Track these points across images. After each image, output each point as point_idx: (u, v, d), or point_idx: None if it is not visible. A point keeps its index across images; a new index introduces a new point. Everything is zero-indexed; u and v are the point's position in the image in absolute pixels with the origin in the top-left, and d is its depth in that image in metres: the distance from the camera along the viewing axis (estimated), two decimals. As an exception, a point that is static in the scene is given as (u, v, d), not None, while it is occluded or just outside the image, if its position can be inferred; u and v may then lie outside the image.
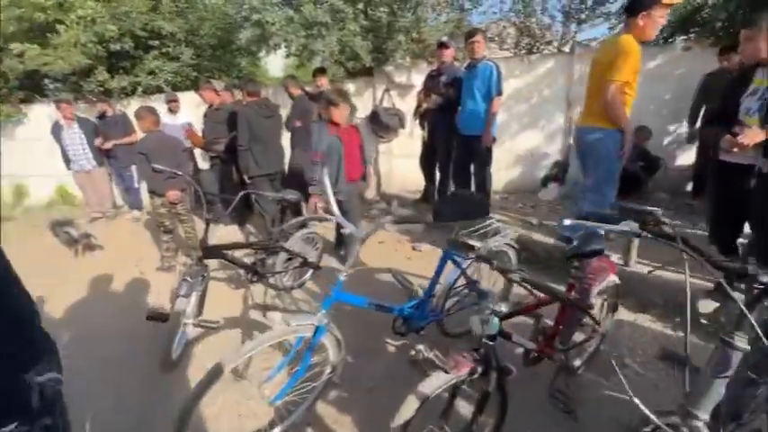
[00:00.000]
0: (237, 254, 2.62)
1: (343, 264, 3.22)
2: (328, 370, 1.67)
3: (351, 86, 5.40)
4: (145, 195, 6.04)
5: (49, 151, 5.38)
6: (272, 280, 2.78)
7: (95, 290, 3.34)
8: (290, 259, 2.81)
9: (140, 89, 5.71)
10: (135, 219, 5.45)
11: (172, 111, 5.31)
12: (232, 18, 6.03)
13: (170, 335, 2.04)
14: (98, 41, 5.06)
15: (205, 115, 4.26)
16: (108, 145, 5.05)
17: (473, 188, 3.79)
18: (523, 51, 5.63)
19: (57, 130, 5.11)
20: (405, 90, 5.36)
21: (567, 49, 5.43)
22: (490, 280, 2.07)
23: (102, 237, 4.29)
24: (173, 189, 3.29)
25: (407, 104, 5.22)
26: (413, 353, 1.21)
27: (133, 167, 5.33)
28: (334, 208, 1.60)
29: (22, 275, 0.75)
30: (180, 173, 2.77)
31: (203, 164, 5.60)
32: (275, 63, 7.84)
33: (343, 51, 4.62)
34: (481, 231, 1.85)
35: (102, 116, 5.14)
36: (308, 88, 5.10)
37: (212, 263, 2.49)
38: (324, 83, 4.83)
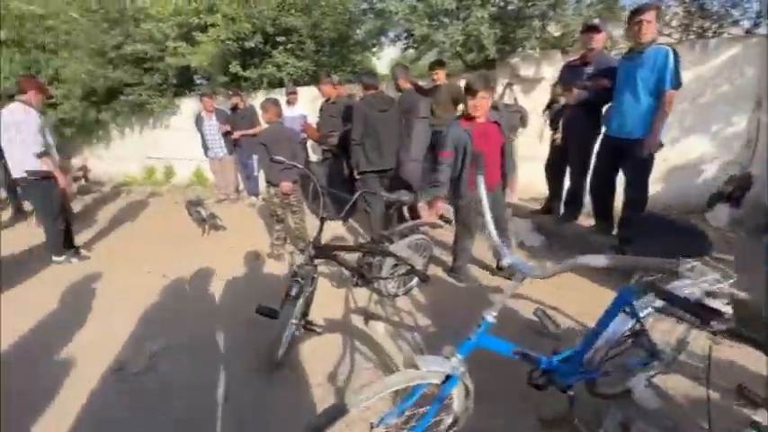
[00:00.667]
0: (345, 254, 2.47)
1: (460, 281, 2.97)
2: (449, 421, 1.35)
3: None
4: (262, 184, 6.63)
5: (192, 139, 6.12)
6: (375, 285, 2.57)
7: (215, 266, 3.58)
8: (396, 265, 2.57)
9: (266, 82, 6.12)
10: (251, 204, 5.89)
11: (290, 103, 5.58)
12: (352, 12, 6.09)
13: (277, 334, 1.95)
14: (235, 39, 5.55)
15: (321, 108, 4.30)
16: (236, 135, 5.51)
17: (622, 204, 3.07)
18: (692, 36, 4.50)
19: (199, 121, 5.77)
20: (530, 84, 4.74)
21: (763, 30, 4.15)
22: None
23: (224, 218, 4.67)
24: (286, 180, 3.33)
25: (532, 101, 4.59)
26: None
27: (254, 157, 5.77)
28: (491, 226, 1.24)
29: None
30: (299, 165, 2.73)
31: (313, 156, 5.78)
32: (388, 59, 7.79)
33: (466, 42, 4.22)
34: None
35: (234, 108, 5.63)
36: (420, 82, 4.85)
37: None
38: (441, 77, 4.51)
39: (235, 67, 5.88)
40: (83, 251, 3.93)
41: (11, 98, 3.33)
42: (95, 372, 2.17)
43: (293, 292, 1.81)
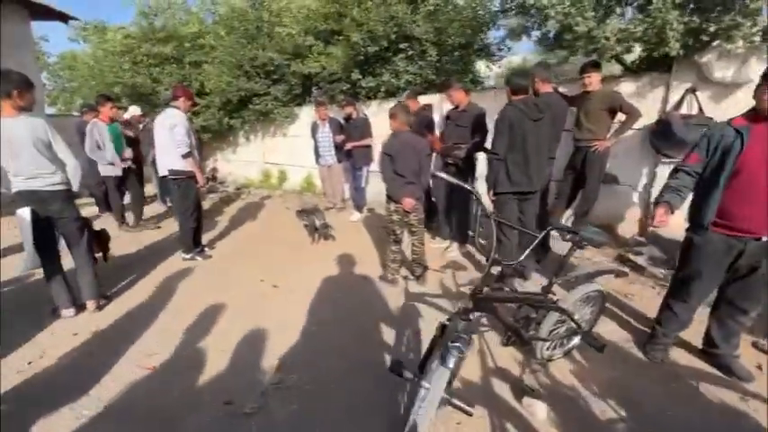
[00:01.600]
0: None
1: (654, 358, 2.05)
2: None
3: (627, 86, 4.03)
4: (372, 197, 6.52)
5: (307, 146, 6.25)
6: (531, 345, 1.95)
7: (321, 281, 3.33)
8: (561, 323, 1.91)
9: (383, 90, 5.93)
10: (356, 217, 5.71)
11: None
12: (482, 16, 5.57)
13: (408, 399, 1.47)
14: (363, 45, 5.47)
15: (447, 117, 3.84)
16: (348, 146, 5.40)
17: None
18: None
19: (314, 129, 5.84)
20: (724, 89, 3.60)
21: None
22: None
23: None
24: (410, 196, 2.92)
25: (722, 111, 3.46)
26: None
27: (365, 168, 5.60)
28: None
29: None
30: (445, 175, 2.26)
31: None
32: (505, 68, 7.07)
33: (643, 36, 3.33)
34: None
35: (347, 118, 5.54)
36: (561, 89, 4.07)
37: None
38: (594, 81, 3.69)
39: (356, 75, 5.81)
40: (207, 250, 4.09)
41: (166, 105, 3.66)
42: (204, 398, 1.98)
43: (450, 363, 1.30)
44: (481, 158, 3.80)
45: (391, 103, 6.04)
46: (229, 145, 9.43)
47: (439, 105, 5.50)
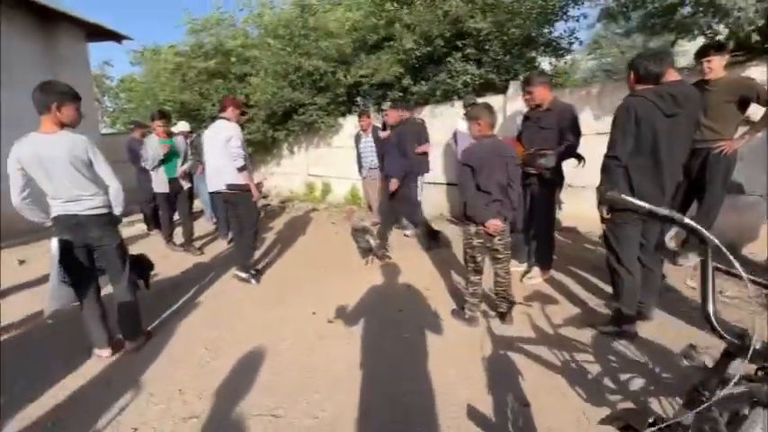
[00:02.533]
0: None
1: None
2: None
3: (757, 72, 3.22)
4: (429, 210, 5.99)
5: (350, 156, 5.86)
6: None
7: (382, 316, 2.83)
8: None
9: (438, 93, 5.41)
10: (406, 236, 5.19)
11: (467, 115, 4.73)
12: (548, 6, 4.92)
13: None
14: (414, 48, 5.02)
15: (527, 118, 3.23)
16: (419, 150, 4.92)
17: None
18: None
19: (357, 139, 5.45)
20: None
21: None
22: None
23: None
24: (496, 217, 2.36)
25: None
26: None
27: (419, 179, 5.10)
28: None
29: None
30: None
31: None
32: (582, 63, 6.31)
33: None
34: None
35: (397, 125, 5.07)
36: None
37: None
38: (716, 67, 2.96)
39: (407, 81, 5.35)
40: (260, 275, 3.76)
41: (214, 118, 3.49)
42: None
43: None
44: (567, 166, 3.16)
45: (445, 108, 5.56)
46: (273, 157, 9.33)
47: (503, 107, 4.90)
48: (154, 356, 2.43)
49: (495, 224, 2.35)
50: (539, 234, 3.28)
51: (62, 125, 2.09)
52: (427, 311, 2.89)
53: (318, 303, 3.10)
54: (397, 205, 4.69)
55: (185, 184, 4.65)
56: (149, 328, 2.72)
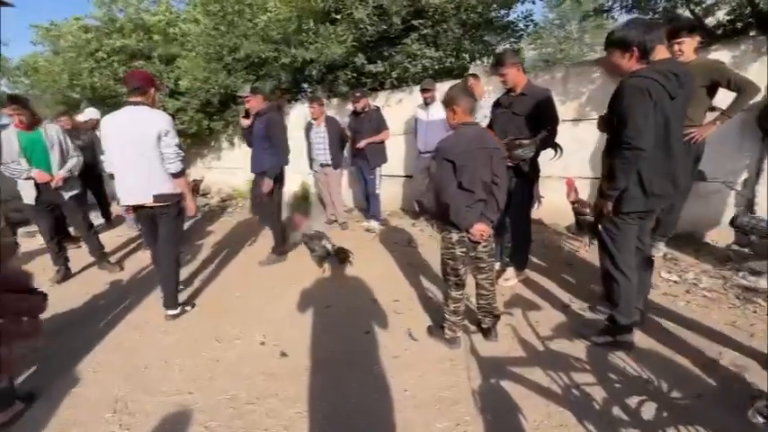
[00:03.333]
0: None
1: None
2: None
3: (719, 56, 3.16)
4: (386, 205, 5.63)
5: (300, 148, 5.27)
6: None
7: (347, 343, 2.37)
8: None
9: (395, 75, 4.95)
10: (368, 230, 4.75)
11: (427, 103, 4.36)
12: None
13: None
14: (367, 22, 4.48)
15: (499, 104, 2.89)
16: (362, 143, 4.44)
17: None
18: None
19: (307, 129, 4.91)
20: None
21: None
22: None
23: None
24: (483, 222, 1.98)
25: None
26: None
27: (377, 170, 4.66)
28: None
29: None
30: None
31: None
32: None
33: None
34: None
35: (357, 113, 4.58)
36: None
37: None
38: (688, 49, 2.82)
39: (360, 60, 4.81)
40: (189, 305, 2.95)
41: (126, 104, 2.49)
42: None
43: None
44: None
45: (403, 94, 5.13)
46: (211, 150, 8.33)
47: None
48: (38, 430, 1.77)
49: (481, 229, 1.97)
50: (515, 232, 3.00)
51: None
52: (398, 332, 2.47)
53: (268, 329, 2.56)
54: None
55: (67, 193, 3.40)
56: (28, 391, 2.01)
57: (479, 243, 2.06)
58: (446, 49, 4.69)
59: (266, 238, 4.71)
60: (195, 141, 8.10)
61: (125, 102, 2.49)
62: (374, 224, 4.79)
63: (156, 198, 2.50)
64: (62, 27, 7.86)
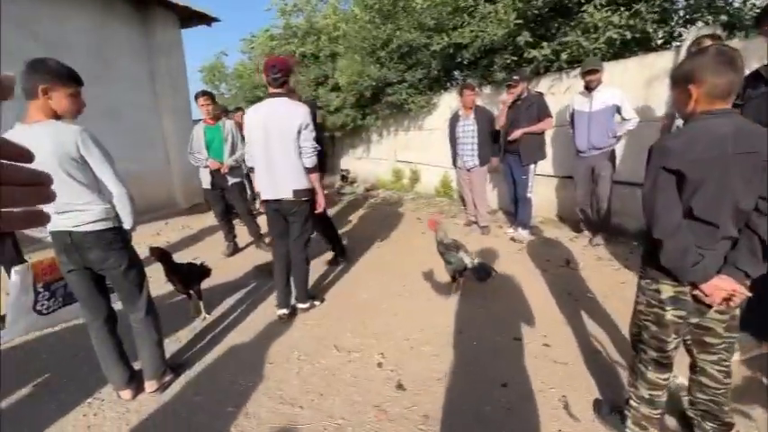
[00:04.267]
0: None
1: None
2: None
3: None
4: (538, 210, 4.76)
5: (443, 141, 4.85)
6: None
7: (457, 391, 1.88)
8: None
9: (564, 57, 4.01)
10: (514, 239, 4.03)
11: (588, 88, 3.38)
12: None
13: None
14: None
15: (758, 78, 1.84)
16: (517, 133, 3.76)
17: None
18: None
19: (453, 122, 4.43)
20: None
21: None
22: None
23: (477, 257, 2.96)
24: (729, 275, 1.18)
25: None
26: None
27: (531, 168, 3.87)
28: None
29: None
30: None
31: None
32: None
33: None
34: None
35: (515, 100, 3.89)
36: None
37: None
38: None
39: (524, 38, 4.06)
40: (318, 299, 2.92)
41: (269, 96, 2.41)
42: None
43: None
44: None
45: (571, 80, 4.11)
46: (362, 142, 8.77)
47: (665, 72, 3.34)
48: (185, 396, 1.92)
49: (723, 287, 1.18)
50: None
51: (55, 115, 1.58)
52: (548, 395, 1.83)
53: (387, 349, 2.29)
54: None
55: (231, 180, 3.83)
56: (179, 362, 2.22)
57: (711, 307, 1.26)
58: (644, 16, 3.47)
59: (404, 234, 4.56)
60: (348, 134, 8.65)
61: (266, 94, 2.47)
62: (522, 233, 4.05)
63: (296, 193, 2.46)
64: (258, 38, 9.42)
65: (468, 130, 4.22)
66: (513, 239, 4.07)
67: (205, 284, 2.82)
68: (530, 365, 2.05)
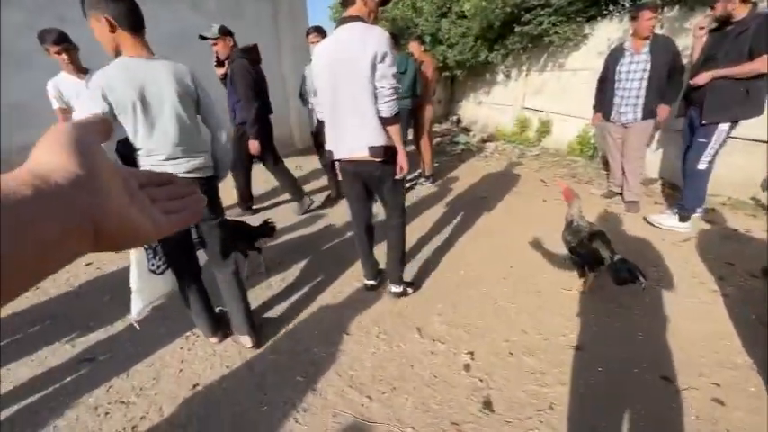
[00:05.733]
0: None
1: None
2: None
3: None
4: (722, 188, 3.37)
5: (590, 84, 3.73)
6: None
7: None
8: None
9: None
10: (684, 228, 2.97)
11: None
12: None
13: None
14: None
15: None
16: (701, 78, 2.62)
17: None
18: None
19: (613, 57, 3.30)
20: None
21: None
22: None
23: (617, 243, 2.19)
24: None
25: None
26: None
27: (717, 129, 2.65)
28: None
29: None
30: None
31: None
32: None
33: None
34: None
35: (721, 23, 2.63)
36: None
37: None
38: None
39: None
40: (411, 286, 2.43)
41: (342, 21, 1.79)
42: None
43: None
44: None
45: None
46: (484, 84, 7.71)
47: None
48: (275, 352, 1.93)
49: None
50: None
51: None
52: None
53: (477, 348, 1.90)
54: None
55: None
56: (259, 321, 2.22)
57: None
58: None
59: (521, 198, 3.86)
60: (469, 74, 7.67)
61: (339, 20, 1.80)
62: (679, 223, 2.95)
63: (373, 152, 1.84)
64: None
65: (638, 69, 3.11)
66: (658, 226, 3.02)
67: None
68: (687, 429, 1.43)
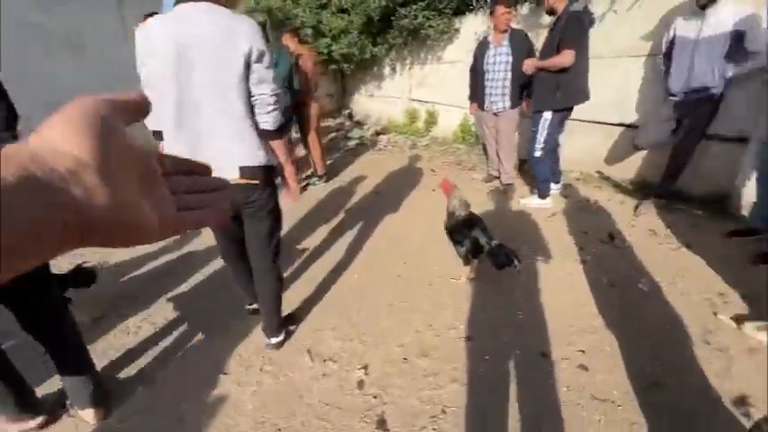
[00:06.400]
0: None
1: None
2: None
3: None
4: (578, 163, 3.80)
5: (464, 75, 3.94)
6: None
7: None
8: None
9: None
10: (548, 204, 3.30)
11: (703, 5, 2.41)
12: None
13: None
14: None
15: None
16: (527, 66, 2.93)
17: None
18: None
19: (480, 51, 3.52)
20: None
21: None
22: None
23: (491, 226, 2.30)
24: None
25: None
26: None
27: (543, 117, 2.96)
28: None
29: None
30: None
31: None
32: None
33: None
34: None
35: (551, 13, 2.93)
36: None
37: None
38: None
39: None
40: (293, 324, 2.09)
41: None
42: None
43: None
44: None
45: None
46: (373, 78, 7.72)
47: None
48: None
49: None
50: None
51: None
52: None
53: (372, 361, 1.79)
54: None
55: None
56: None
57: None
58: None
59: (413, 189, 3.89)
60: (358, 67, 7.60)
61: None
62: (544, 203, 3.29)
63: (244, 172, 1.43)
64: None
65: (500, 60, 3.33)
66: (528, 206, 3.33)
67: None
68: (562, 402, 1.52)
